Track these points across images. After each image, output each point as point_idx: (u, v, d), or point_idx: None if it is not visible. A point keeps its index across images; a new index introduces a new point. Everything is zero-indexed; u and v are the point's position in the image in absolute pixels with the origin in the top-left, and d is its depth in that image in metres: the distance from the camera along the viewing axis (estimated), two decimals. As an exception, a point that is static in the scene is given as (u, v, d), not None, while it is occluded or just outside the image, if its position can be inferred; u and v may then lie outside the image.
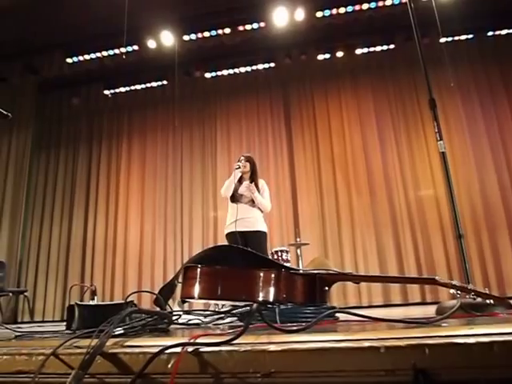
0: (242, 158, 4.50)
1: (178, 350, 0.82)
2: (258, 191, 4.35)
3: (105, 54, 7.32)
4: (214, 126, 8.07)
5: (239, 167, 4.30)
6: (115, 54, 7.30)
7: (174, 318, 1.30)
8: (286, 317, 1.29)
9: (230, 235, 4.32)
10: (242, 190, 4.37)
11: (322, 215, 7.14)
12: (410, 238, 6.77)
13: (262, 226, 4.36)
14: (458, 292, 1.11)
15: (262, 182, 4.51)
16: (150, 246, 7.68)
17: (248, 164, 4.45)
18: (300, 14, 6.60)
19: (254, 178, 4.43)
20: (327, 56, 7.66)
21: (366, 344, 0.74)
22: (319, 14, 6.65)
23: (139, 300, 6.18)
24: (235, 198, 4.36)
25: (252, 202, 4.33)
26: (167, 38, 6.96)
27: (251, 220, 4.28)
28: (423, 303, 6.26)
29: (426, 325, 0.92)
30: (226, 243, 4.29)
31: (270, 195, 4.51)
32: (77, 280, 7.61)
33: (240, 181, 4.42)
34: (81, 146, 8.55)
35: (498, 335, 0.71)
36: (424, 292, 6.41)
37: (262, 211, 4.42)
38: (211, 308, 4.01)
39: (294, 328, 0.91)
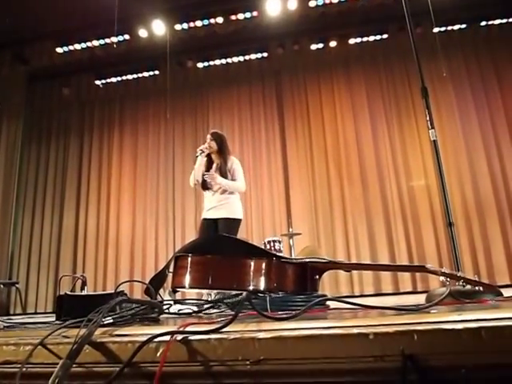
0: (209, 136, 4.22)
1: (167, 338, 0.81)
2: (226, 173, 4.09)
3: (96, 43, 7.22)
4: (207, 116, 8.03)
5: (202, 152, 4.07)
6: (106, 44, 7.21)
7: (165, 307, 1.29)
8: (276, 305, 1.29)
9: (202, 222, 4.19)
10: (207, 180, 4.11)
11: (314, 205, 7.16)
12: (401, 227, 6.82)
13: (235, 213, 4.12)
14: (448, 279, 1.12)
15: (231, 161, 4.19)
16: (142, 236, 7.67)
17: (214, 143, 4.16)
18: (293, 4, 6.55)
19: (223, 156, 4.15)
20: (320, 46, 7.61)
21: (355, 331, 0.74)
22: (312, 4, 6.60)
23: (131, 290, 6.15)
24: (205, 185, 4.14)
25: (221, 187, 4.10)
26: (159, 28, 6.88)
27: (222, 207, 4.08)
28: (414, 292, 6.32)
29: (415, 311, 0.92)
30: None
31: (244, 175, 4.23)
32: (68, 271, 7.59)
33: (210, 162, 4.19)
34: (72, 137, 8.48)
35: (486, 321, 0.72)
36: (415, 281, 6.47)
37: (236, 196, 4.19)
38: (204, 297, 4.02)
39: (284, 316, 0.91)
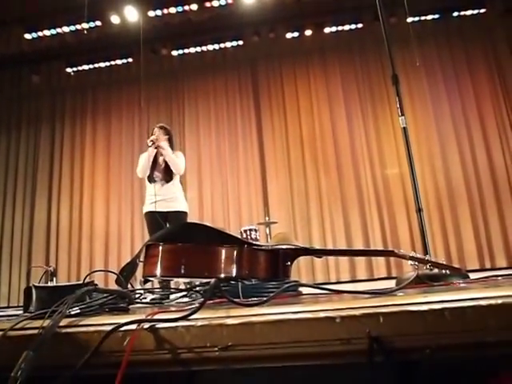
0: (156, 128, 4.32)
1: (134, 327, 0.80)
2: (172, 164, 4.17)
3: (66, 29, 7.00)
4: (182, 105, 7.93)
5: (153, 143, 4.12)
6: (77, 30, 7.00)
7: (135, 296, 1.28)
8: (249, 292, 1.29)
9: (148, 215, 4.19)
10: (158, 171, 4.20)
11: (290, 194, 7.20)
12: (376, 214, 6.93)
13: (182, 206, 4.23)
14: (416, 263, 1.14)
15: (176, 154, 4.30)
16: (117, 227, 7.56)
17: (162, 135, 4.26)
18: (268, -10, 6.49)
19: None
20: (296, 34, 7.59)
21: (322, 314, 0.75)
22: (288, -9, 6.56)
23: (106, 281, 6.09)
24: (152, 178, 4.20)
25: (169, 180, 4.18)
26: (131, 14, 6.72)
27: (172, 200, 4.16)
28: (389, 278, 6.44)
29: (382, 295, 0.93)
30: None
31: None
32: (42, 263, 7.43)
33: (155, 157, 4.23)
34: (43, 126, 8.24)
35: (450, 302, 0.73)
36: (390, 267, 6.61)
37: (181, 190, 4.31)
38: (181, 286, 4.00)
39: (253, 302, 0.91)
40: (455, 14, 7.29)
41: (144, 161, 4.17)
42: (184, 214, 4.24)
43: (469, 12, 7.26)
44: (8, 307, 7.27)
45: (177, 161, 4.20)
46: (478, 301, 0.71)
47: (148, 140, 4.18)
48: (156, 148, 4.18)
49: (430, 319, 0.72)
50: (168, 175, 4.18)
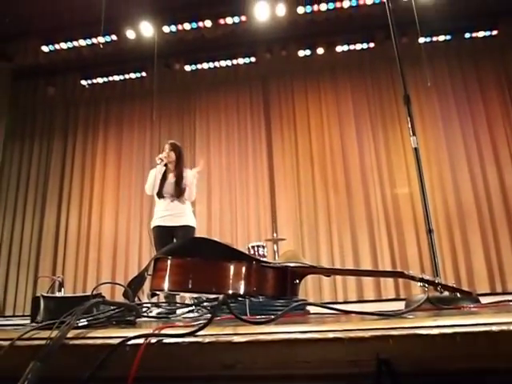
0: (167, 145, 4.31)
1: (141, 341, 0.80)
2: (181, 183, 4.16)
3: (82, 43, 7.14)
4: (193, 120, 8.00)
5: (161, 160, 4.12)
6: (93, 44, 7.14)
7: (143, 310, 1.27)
8: (256, 309, 1.28)
9: (156, 229, 4.20)
10: (167, 188, 4.19)
11: (299, 211, 7.17)
12: (385, 234, 6.87)
13: (190, 221, 4.22)
14: (426, 286, 1.12)
15: (186, 172, 4.28)
16: (125, 239, 7.57)
17: (173, 153, 4.24)
18: (281, 9, 6.58)
19: (179, 168, 4.25)
20: (308, 52, 7.66)
21: (331, 335, 0.74)
22: (300, 10, 6.64)
23: (112, 294, 6.08)
24: (161, 194, 4.20)
25: (179, 197, 4.18)
26: (147, 29, 6.85)
27: (180, 215, 4.16)
28: (397, 299, 6.36)
29: (391, 317, 0.92)
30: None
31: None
32: (48, 273, 7.46)
33: (165, 172, 4.24)
34: (56, 137, 8.36)
35: (461, 326, 0.72)
36: (398, 288, 6.51)
37: (190, 205, 4.31)
38: (187, 301, 3.98)
39: (261, 319, 0.91)
40: (467, 35, 7.32)
41: (152, 178, 4.19)
42: (192, 228, 4.23)
43: (481, 33, 7.29)
44: (14, 316, 7.28)
45: (193, 190, 4.23)
46: (490, 326, 0.70)
47: (157, 157, 4.18)
48: (165, 166, 4.20)
49: (440, 343, 0.71)
50: (177, 192, 4.18)
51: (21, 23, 6.81)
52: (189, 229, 4.17)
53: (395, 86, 7.31)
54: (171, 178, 4.24)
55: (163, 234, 4.10)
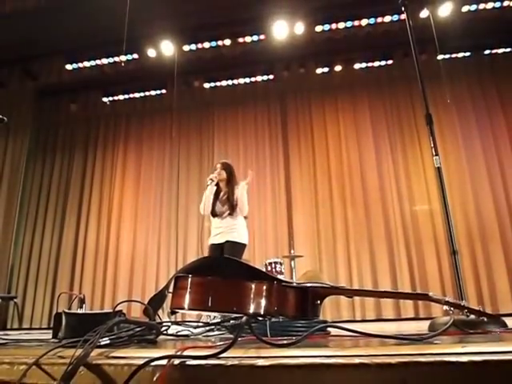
0: (219, 165, 4.39)
1: (164, 362, 0.80)
2: (233, 201, 4.19)
3: (105, 61, 7.33)
4: (212, 137, 8.08)
5: (212, 181, 4.20)
6: (115, 62, 7.32)
7: (163, 328, 1.27)
8: (276, 330, 1.27)
9: (210, 247, 4.26)
10: (219, 206, 4.25)
11: (316, 228, 7.12)
12: (404, 252, 6.75)
13: (238, 237, 4.19)
14: (451, 309, 1.10)
15: (238, 189, 4.28)
16: (143, 256, 7.61)
17: (224, 172, 4.31)
18: (300, 28, 6.65)
19: (231, 185, 4.29)
20: (326, 70, 7.71)
21: (357, 360, 0.73)
22: (319, 29, 6.70)
23: (129, 310, 6.08)
24: (214, 212, 4.27)
25: (231, 213, 4.20)
26: (167, 48, 7.00)
27: (230, 231, 4.17)
28: (416, 318, 6.22)
29: (417, 341, 0.90)
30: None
31: (248, 196, 4.34)
32: (65, 288, 7.52)
33: (217, 191, 4.31)
34: (76, 153, 8.53)
35: (491, 354, 0.70)
36: (417, 307, 6.37)
37: (243, 221, 4.32)
38: (203, 319, 3.97)
39: (284, 342, 0.89)
40: (487, 51, 7.27)
41: (205, 199, 4.25)
42: (240, 245, 4.19)
43: (501, 50, 7.24)
44: (31, 328, 7.35)
45: (245, 203, 4.25)
46: (523, 354, 0.68)
47: (208, 178, 4.27)
48: (216, 185, 4.28)
49: (470, 371, 0.69)
50: (230, 208, 4.22)
51: (46, 43, 7.03)
52: (237, 245, 4.15)
53: (414, 103, 7.28)
54: (223, 195, 4.30)
55: (214, 252, 4.16)
